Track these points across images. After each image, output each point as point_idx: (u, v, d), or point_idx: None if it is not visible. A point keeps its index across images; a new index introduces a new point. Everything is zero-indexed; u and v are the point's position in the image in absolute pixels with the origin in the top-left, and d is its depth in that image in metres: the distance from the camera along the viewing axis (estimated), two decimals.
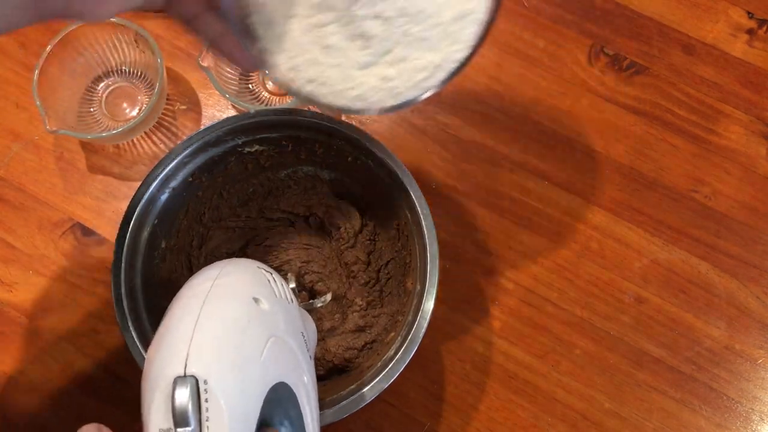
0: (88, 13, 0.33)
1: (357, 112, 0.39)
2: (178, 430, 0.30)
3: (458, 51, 0.37)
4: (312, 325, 0.47)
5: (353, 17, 0.36)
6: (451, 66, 0.37)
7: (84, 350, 0.58)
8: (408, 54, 0.37)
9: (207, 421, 0.31)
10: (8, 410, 0.57)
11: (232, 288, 0.38)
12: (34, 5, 0.32)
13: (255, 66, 0.39)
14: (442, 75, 0.38)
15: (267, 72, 0.38)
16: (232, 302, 0.36)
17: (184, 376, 0.31)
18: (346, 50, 0.37)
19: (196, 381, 0.31)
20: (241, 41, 0.37)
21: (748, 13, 0.68)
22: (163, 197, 0.52)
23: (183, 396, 0.30)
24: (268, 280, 0.40)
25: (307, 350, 0.41)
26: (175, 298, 0.38)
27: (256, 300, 0.37)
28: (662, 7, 0.68)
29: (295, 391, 0.36)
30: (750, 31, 0.67)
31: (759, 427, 0.57)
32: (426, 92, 0.38)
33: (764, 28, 0.67)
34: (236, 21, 0.37)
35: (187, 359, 0.32)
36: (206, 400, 0.31)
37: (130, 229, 0.49)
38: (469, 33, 0.37)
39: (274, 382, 0.35)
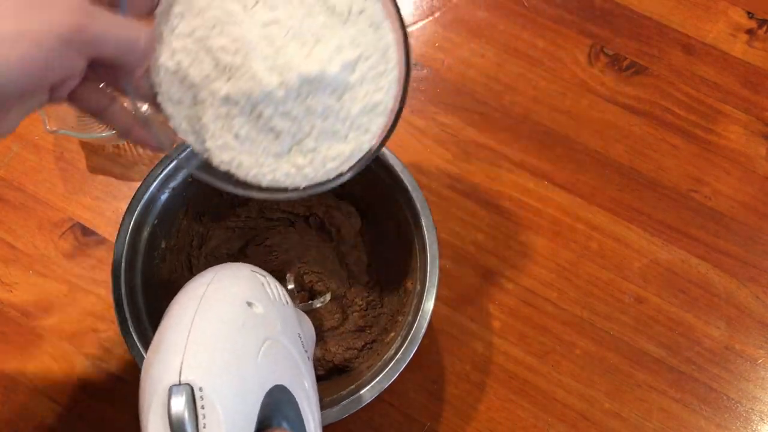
0: None
1: (272, 196, 0.39)
2: None
3: (368, 141, 0.38)
4: (309, 326, 0.47)
5: (260, 114, 0.36)
6: (361, 155, 0.38)
7: (84, 350, 0.58)
8: (318, 145, 0.38)
9: (204, 428, 0.31)
10: (8, 410, 0.57)
11: (225, 293, 0.38)
12: None
13: (167, 149, 0.39)
14: (352, 162, 0.38)
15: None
16: (225, 307, 0.36)
17: (179, 384, 0.31)
18: (257, 141, 0.37)
19: (192, 389, 0.31)
20: (146, 129, 0.37)
21: (748, 13, 0.68)
22: (163, 197, 0.52)
23: (179, 404, 0.31)
24: (262, 284, 0.40)
25: (305, 351, 0.41)
26: (170, 305, 0.38)
27: (249, 304, 0.37)
28: (662, 7, 0.68)
29: (293, 392, 0.36)
30: (750, 31, 0.67)
31: (759, 427, 0.57)
32: (339, 179, 0.39)
33: (764, 28, 0.67)
34: (142, 103, 0.37)
35: (181, 367, 0.32)
36: (202, 407, 0.31)
37: (130, 229, 0.49)
38: (378, 123, 0.38)
39: (271, 385, 0.35)
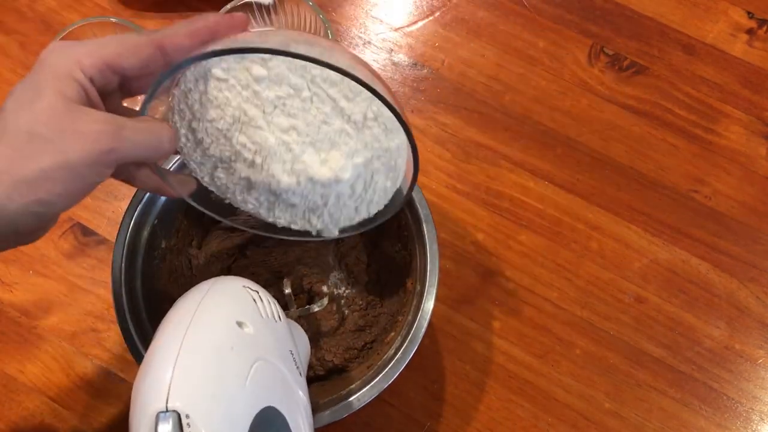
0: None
1: (286, 237, 0.44)
2: None
3: (374, 209, 0.43)
4: (304, 339, 0.47)
5: (279, 195, 0.41)
6: (369, 218, 0.43)
7: (84, 350, 0.58)
8: (332, 212, 0.42)
9: None
10: (8, 410, 0.57)
11: (215, 313, 0.38)
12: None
13: (190, 197, 0.43)
14: (360, 225, 0.43)
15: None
16: (215, 329, 0.37)
17: (166, 410, 0.32)
18: (274, 206, 0.42)
19: (179, 415, 0.31)
20: (172, 186, 0.41)
21: (748, 13, 0.68)
22: (163, 197, 0.52)
23: (165, 430, 0.31)
24: (254, 300, 0.40)
25: (297, 368, 0.41)
26: (162, 321, 0.38)
27: (240, 324, 0.37)
28: (662, 7, 0.68)
29: (283, 413, 0.37)
30: (750, 31, 0.67)
31: (759, 427, 0.57)
32: (347, 232, 0.43)
33: (764, 28, 0.67)
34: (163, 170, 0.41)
35: (168, 393, 0.32)
36: None
37: (130, 229, 0.49)
38: (386, 200, 0.43)
39: (260, 408, 0.35)
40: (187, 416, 0.32)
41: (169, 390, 0.32)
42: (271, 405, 0.36)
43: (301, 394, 0.40)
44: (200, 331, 0.36)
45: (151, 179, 0.40)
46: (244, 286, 0.41)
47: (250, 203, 0.42)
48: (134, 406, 0.34)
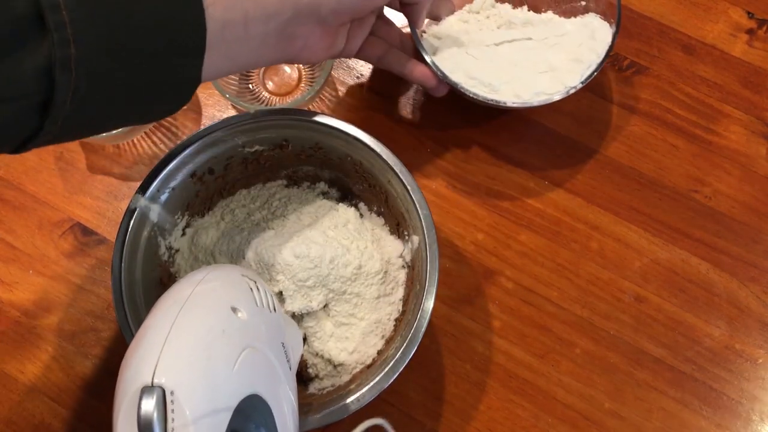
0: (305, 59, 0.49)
1: None
2: None
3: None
4: (297, 334, 0.47)
5: None
6: None
7: (84, 350, 0.58)
8: None
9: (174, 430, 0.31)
10: (8, 410, 0.57)
11: (210, 296, 0.38)
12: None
13: (443, 85, 0.58)
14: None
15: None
16: (208, 311, 0.37)
17: (152, 386, 0.32)
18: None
19: (163, 392, 0.31)
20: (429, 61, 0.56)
21: (748, 13, 0.68)
22: (163, 197, 0.52)
23: (148, 406, 0.31)
24: (251, 288, 0.40)
25: (287, 361, 0.41)
26: (156, 302, 0.38)
27: (234, 309, 0.37)
28: (662, 7, 0.68)
29: (268, 402, 0.37)
30: (750, 31, 0.67)
31: (759, 427, 0.57)
32: None
33: (764, 28, 0.67)
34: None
35: (155, 369, 0.32)
36: (172, 411, 0.31)
37: (129, 229, 0.49)
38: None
39: (246, 394, 0.35)
40: (172, 393, 0.32)
41: (156, 366, 0.32)
42: (257, 393, 0.36)
43: (288, 387, 0.40)
44: (193, 312, 0.36)
45: (398, 58, 0.57)
46: (242, 275, 0.41)
47: None
48: (120, 381, 0.34)
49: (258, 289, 0.41)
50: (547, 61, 0.60)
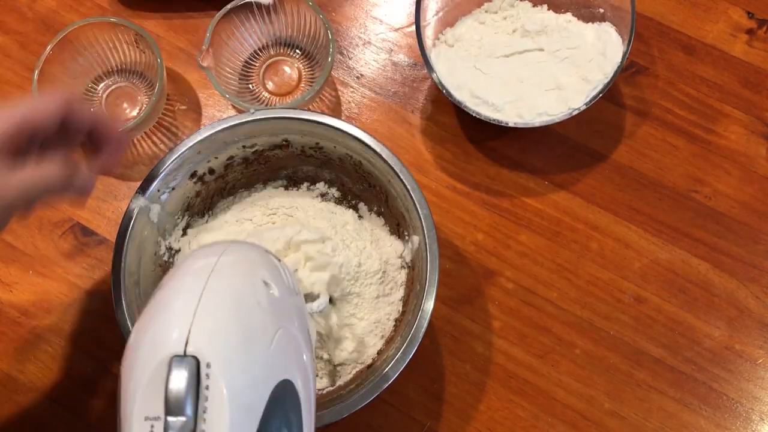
0: None
1: None
2: (170, 419, 0.26)
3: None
4: (312, 325, 0.47)
5: None
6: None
7: (84, 350, 0.58)
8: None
9: (205, 412, 0.26)
10: (8, 410, 0.57)
11: (240, 266, 0.33)
12: None
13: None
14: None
15: None
16: (243, 279, 0.32)
17: (184, 355, 0.27)
18: None
19: (197, 363, 0.27)
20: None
21: (748, 13, 0.68)
22: (163, 197, 0.52)
23: (180, 379, 0.26)
24: (277, 266, 0.36)
25: (312, 349, 0.37)
26: (170, 272, 0.33)
27: (266, 284, 0.33)
28: (662, 7, 0.68)
29: (299, 392, 0.32)
30: (750, 31, 0.67)
31: (759, 427, 0.57)
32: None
33: (764, 28, 0.67)
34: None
35: (188, 336, 0.27)
36: (207, 387, 0.27)
37: (129, 229, 0.49)
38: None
39: (281, 378, 0.30)
40: (208, 365, 0.27)
41: (189, 332, 0.28)
42: (290, 380, 0.31)
43: (312, 378, 0.35)
44: (226, 279, 0.31)
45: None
46: (266, 251, 0.37)
47: None
48: (137, 349, 0.29)
49: (283, 268, 0.37)
50: (554, 78, 0.60)
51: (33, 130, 0.39)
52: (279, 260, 0.38)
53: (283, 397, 0.30)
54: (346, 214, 0.57)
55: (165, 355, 0.27)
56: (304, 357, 0.34)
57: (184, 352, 0.27)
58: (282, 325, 0.32)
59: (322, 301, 0.51)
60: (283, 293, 0.34)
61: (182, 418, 0.26)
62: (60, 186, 0.40)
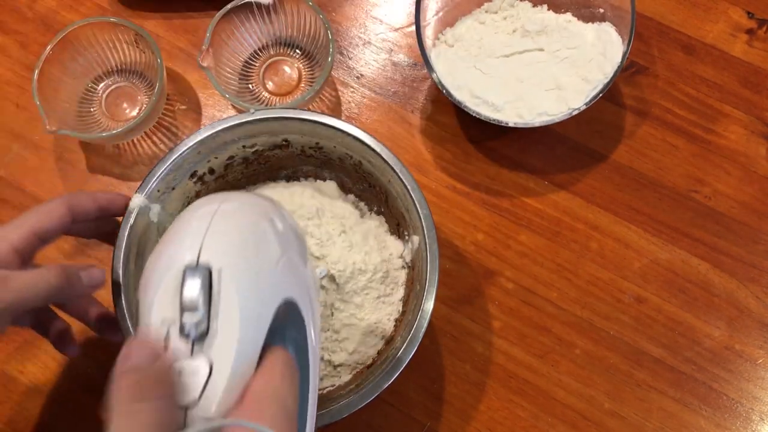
0: None
1: None
2: (185, 315, 0.29)
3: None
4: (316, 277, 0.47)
5: None
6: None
7: (84, 350, 0.58)
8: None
9: (217, 313, 0.29)
10: (8, 410, 0.57)
11: (247, 200, 0.36)
12: None
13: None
14: None
15: None
16: (249, 209, 0.35)
17: (197, 265, 0.30)
18: None
19: (209, 271, 0.29)
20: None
21: (748, 13, 0.68)
22: (163, 197, 0.52)
23: (194, 284, 0.29)
24: (280, 209, 0.38)
25: (316, 288, 0.39)
26: (178, 217, 0.36)
27: (271, 219, 0.35)
28: (662, 7, 0.68)
29: (303, 314, 0.34)
30: (750, 31, 0.67)
31: (759, 427, 0.57)
32: None
33: (764, 28, 0.67)
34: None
35: (201, 248, 0.30)
36: (218, 293, 0.29)
37: (129, 229, 0.49)
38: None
39: (287, 295, 0.33)
40: (220, 272, 0.30)
41: (202, 245, 0.30)
42: (296, 302, 0.34)
43: (318, 312, 0.38)
44: (234, 206, 0.34)
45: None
46: (265, 199, 0.40)
47: None
48: (155, 262, 0.32)
49: (285, 215, 0.39)
50: (554, 78, 0.60)
51: (44, 236, 0.42)
52: (282, 207, 0.40)
53: (289, 315, 0.33)
54: (347, 211, 0.57)
55: (179, 265, 0.30)
56: (310, 284, 0.37)
57: (197, 262, 0.30)
58: (287, 254, 0.34)
59: (322, 270, 0.52)
60: (287, 230, 0.36)
61: (196, 317, 0.29)
62: (56, 290, 0.41)
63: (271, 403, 0.29)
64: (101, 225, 0.49)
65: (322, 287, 0.53)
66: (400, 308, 0.54)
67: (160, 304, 0.30)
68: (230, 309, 0.29)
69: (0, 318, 0.39)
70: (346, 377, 0.52)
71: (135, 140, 0.64)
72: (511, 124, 0.58)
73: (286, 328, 0.33)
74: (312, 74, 0.65)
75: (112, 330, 0.48)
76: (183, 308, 0.29)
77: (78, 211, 0.44)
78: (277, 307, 0.32)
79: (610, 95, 0.65)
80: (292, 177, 0.59)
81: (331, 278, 0.52)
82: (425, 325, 0.47)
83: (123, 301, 0.47)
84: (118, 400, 0.28)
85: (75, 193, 0.45)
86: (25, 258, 0.42)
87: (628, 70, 0.66)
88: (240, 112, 0.63)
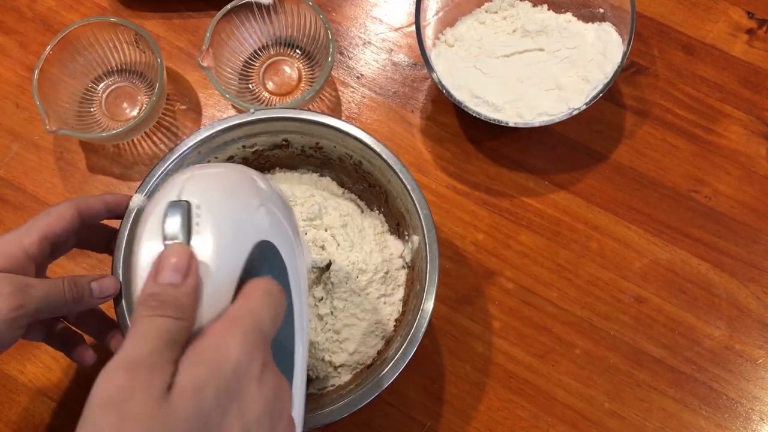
0: None
1: None
2: (167, 242, 0.32)
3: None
4: (307, 247, 0.49)
5: None
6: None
7: None
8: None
9: (195, 248, 0.32)
10: (8, 410, 0.57)
11: (229, 165, 0.39)
12: None
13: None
14: None
15: None
16: (232, 167, 0.38)
17: (178, 201, 0.33)
18: None
19: (189, 205, 0.32)
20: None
21: (748, 13, 0.68)
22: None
23: (175, 216, 0.32)
24: (265, 177, 0.41)
25: (299, 247, 0.40)
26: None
27: (252, 179, 0.38)
28: (662, 7, 0.68)
29: (284, 257, 0.37)
30: (750, 31, 0.67)
31: (759, 427, 0.57)
32: None
33: (764, 28, 0.67)
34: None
35: (182, 188, 0.33)
36: (197, 224, 0.32)
37: (129, 229, 0.49)
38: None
39: (264, 237, 0.35)
40: (198, 206, 0.32)
41: (183, 185, 0.34)
42: (277, 247, 0.36)
43: (302, 265, 0.40)
44: (217, 164, 0.38)
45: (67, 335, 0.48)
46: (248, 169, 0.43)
47: None
48: (146, 208, 0.35)
49: (269, 180, 0.41)
50: (554, 77, 0.60)
51: (55, 239, 0.43)
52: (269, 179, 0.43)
53: (267, 256, 0.35)
54: (349, 209, 0.57)
55: (164, 203, 0.33)
56: (291, 236, 0.39)
57: (179, 199, 0.33)
58: (267, 205, 0.37)
59: (324, 259, 0.53)
60: (268, 188, 0.39)
61: (177, 240, 0.32)
62: (69, 303, 0.42)
63: (244, 320, 0.31)
64: (113, 236, 0.49)
65: (323, 287, 0.53)
66: (401, 308, 0.54)
67: (147, 240, 0.33)
68: (206, 238, 0.32)
69: (18, 325, 0.40)
70: (346, 377, 0.52)
71: (135, 140, 0.64)
72: (511, 124, 0.58)
73: (265, 268, 0.35)
74: (312, 74, 0.65)
75: (112, 335, 0.49)
76: (165, 237, 0.32)
77: (87, 213, 0.45)
78: (254, 244, 0.34)
79: (610, 95, 0.65)
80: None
81: (332, 278, 0.52)
82: (425, 325, 0.47)
83: (123, 302, 0.47)
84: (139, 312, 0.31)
85: (83, 196, 0.46)
86: (38, 265, 0.42)
87: (628, 70, 0.66)
88: (240, 112, 0.63)
